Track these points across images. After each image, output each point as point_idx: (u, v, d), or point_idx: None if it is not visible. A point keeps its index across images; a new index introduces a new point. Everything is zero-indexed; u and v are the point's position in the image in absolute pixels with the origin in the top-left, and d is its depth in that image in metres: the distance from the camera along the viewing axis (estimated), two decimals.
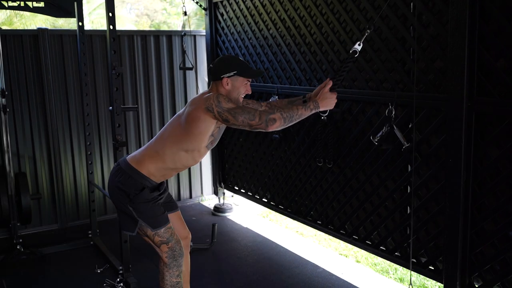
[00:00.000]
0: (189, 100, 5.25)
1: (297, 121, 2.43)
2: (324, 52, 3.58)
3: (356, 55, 2.48)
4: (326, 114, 2.59)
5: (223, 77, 2.46)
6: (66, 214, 4.81)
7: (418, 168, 2.91)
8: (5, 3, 3.81)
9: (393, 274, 3.82)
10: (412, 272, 3.01)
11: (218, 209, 5.15)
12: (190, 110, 2.44)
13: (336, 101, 2.51)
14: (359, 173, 3.36)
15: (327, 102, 2.48)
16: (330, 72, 3.52)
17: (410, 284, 2.90)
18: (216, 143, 2.63)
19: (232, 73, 2.46)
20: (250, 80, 2.55)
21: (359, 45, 2.45)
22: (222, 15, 4.86)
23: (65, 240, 4.39)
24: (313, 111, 2.46)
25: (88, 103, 4.20)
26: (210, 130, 2.44)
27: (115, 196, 2.58)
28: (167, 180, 5.36)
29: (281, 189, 4.25)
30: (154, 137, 2.66)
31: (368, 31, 2.48)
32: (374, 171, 3.22)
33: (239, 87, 2.49)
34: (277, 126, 2.35)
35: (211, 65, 2.55)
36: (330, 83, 2.50)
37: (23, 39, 4.46)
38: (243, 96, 2.54)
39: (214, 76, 2.50)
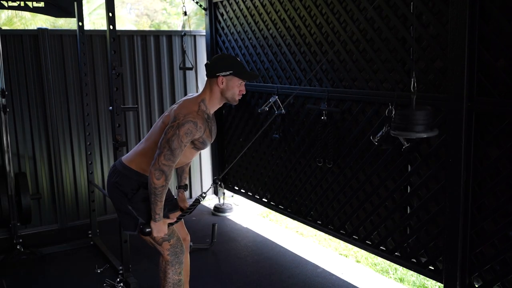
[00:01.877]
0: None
1: (151, 195, 2.41)
2: (324, 52, 3.58)
3: (198, 204, 2.55)
4: (145, 235, 2.55)
5: (219, 75, 2.45)
6: (66, 214, 4.81)
7: (418, 168, 2.92)
8: (5, 3, 3.81)
9: (393, 274, 3.82)
10: (412, 272, 3.01)
11: (218, 209, 5.15)
12: (171, 116, 2.45)
13: (162, 236, 2.50)
14: (359, 173, 3.36)
15: (158, 228, 2.47)
16: (330, 72, 3.52)
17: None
18: (208, 145, 2.63)
19: (228, 72, 2.44)
20: (245, 81, 2.55)
21: (202, 197, 2.53)
22: (222, 15, 4.86)
23: (65, 240, 4.39)
24: (153, 216, 2.45)
25: (88, 103, 4.20)
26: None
27: (114, 197, 2.61)
28: None
29: (281, 189, 4.25)
30: (145, 136, 2.69)
31: (215, 184, 2.63)
32: (374, 171, 3.22)
33: (234, 87, 2.48)
34: (152, 179, 2.35)
35: (207, 62, 2.54)
36: (173, 220, 2.57)
37: (23, 39, 4.46)
38: (239, 98, 2.53)
39: (210, 73, 2.49)
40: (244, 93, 2.56)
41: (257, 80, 4.34)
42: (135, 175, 2.55)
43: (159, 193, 2.38)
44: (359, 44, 3.24)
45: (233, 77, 2.47)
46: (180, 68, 5.11)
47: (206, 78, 2.53)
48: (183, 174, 2.90)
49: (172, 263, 2.60)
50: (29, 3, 3.89)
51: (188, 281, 2.97)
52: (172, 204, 2.78)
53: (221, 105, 2.56)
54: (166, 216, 2.60)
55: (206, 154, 5.51)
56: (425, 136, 2.26)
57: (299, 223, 4.36)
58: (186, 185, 2.92)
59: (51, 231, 4.71)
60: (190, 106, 2.44)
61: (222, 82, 2.46)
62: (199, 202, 2.54)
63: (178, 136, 2.34)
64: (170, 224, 2.56)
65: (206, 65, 2.53)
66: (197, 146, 2.51)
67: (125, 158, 2.65)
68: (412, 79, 2.31)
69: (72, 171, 4.82)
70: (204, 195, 2.55)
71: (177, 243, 2.60)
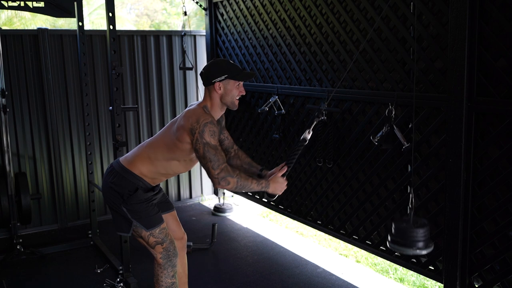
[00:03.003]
0: (188, 103, 5.27)
1: (245, 191, 2.48)
2: (324, 52, 3.58)
3: (305, 143, 2.54)
4: (274, 198, 2.64)
5: (215, 81, 2.46)
6: (66, 214, 4.82)
7: (418, 168, 2.92)
8: (5, 3, 3.81)
9: (393, 274, 3.82)
10: (412, 272, 3.01)
11: (218, 209, 5.15)
12: (179, 125, 2.45)
13: (285, 188, 2.58)
14: (359, 173, 3.36)
15: (277, 187, 2.55)
16: (330, 72, 3.53)
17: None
18: None
19: (223, 77, 2.45)
20: (242, 81, 2.55)
21: (308, 133, 2.53)
22: (222, 15, 4.86)
23: (65, 240, 4.40)
24: (263, 190, 2.52)
25: (88, 103, 4.20)
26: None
27: (109, 197, 2.59)
28: (166, 180, 5.36)
29: None
30: (147, 140, 2.68)
31: (319, 118, 2.55)
32: (374, 171, 3.22)
33: (232, 90, 2.49)
34: (226, 188, 2.40)
35: (202, 71, 2.54)
36: (285, 169, 2.57)
37: (23, 39, 4.46)
38: (238, 99, 2.54)
39: (206, 81, 2.49)
40: (244, 94, 2.56)
41: (255, 78, 4.34)
42: (133, 177, 2.54)
43: (241, 186, 2.42)
44: (359, 44, 3.24)
45: (229, 80, 2.47)
46: (180, 68, 5.12)
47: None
48: (253, 164, 2.77)
49: (165, 266, 2.59)
50: (29, 3, 3.89)
51: (187, 283, 2.97)
52: (164, 205, 2.78)
53: (223, 111, 2.58)
54: (159, 216, 2.60)
55: None
56: (424, 253, 2.27)
57: (299, 223, 4.36)
58: (263, 168, 2.76)
59: (51, 231, 4.71)
60: (196, 111, 2.44)
61: (220, 88, 2.47)
62: (306, 141, 2.51)
63: (207, 145, 2.34)
64: (283, 175, 2.55)
65: (201, 74, 2.54)
66: None
67: (123, 159, 2.63)
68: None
69: (72, 171, 4.83)
70: (310, 132, 2.51)
71: (169, 246, 2.60)
